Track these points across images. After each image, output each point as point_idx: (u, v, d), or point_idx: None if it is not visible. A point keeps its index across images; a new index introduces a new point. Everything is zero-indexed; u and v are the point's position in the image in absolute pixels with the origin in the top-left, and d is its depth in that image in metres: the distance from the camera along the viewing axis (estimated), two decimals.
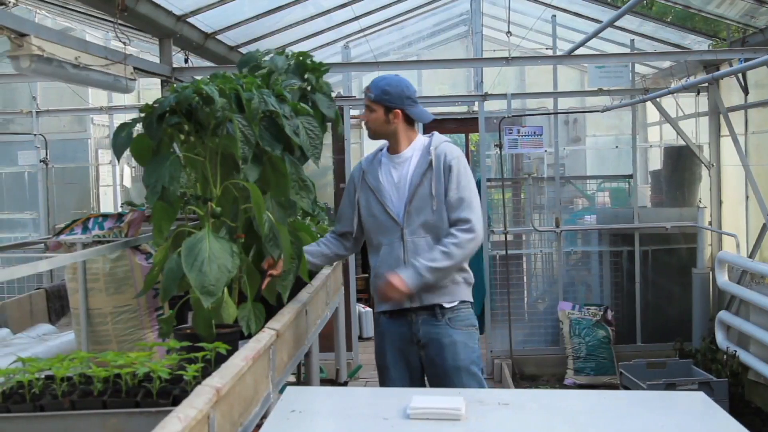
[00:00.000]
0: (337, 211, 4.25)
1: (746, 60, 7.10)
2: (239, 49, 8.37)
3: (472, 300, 4.12)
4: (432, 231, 3.94)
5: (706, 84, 8.46)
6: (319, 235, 4.25)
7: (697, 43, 9.01)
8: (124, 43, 5.51)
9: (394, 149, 4.10)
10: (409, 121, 4.09)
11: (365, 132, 4.20)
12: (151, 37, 7.39)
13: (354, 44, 10.86)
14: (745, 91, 8.00)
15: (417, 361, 4.06)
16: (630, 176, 9.07)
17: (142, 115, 2.84)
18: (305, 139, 2.98)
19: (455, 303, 4.01)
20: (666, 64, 9.79)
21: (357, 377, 8.19)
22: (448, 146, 4.03)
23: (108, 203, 10.71)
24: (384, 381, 4.14)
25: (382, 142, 4.21)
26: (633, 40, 9.34)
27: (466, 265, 4.04)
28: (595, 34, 8.12)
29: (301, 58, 3.81)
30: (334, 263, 4.83)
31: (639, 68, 10.44)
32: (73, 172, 10.46)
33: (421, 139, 4.09)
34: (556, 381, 8.39)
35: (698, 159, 8.84)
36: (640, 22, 9.12)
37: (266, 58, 3.82)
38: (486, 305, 8.64)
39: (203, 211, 2.86)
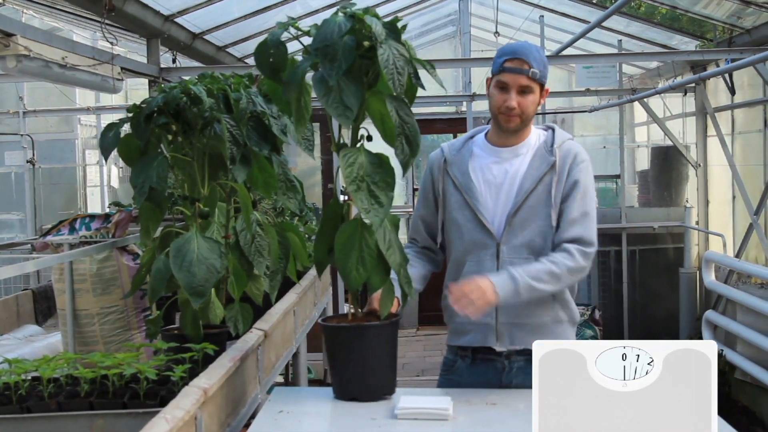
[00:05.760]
0: (411, 220, 3.21)
1: (733, 60, 7.13)
2: (227, 50, 8.36)
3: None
4: (539, 253, 2.92)
5: (693, 84, 8.50)
6: (306, 236, 4.18)
7: (684, 43, 9.04)
8: (112, 43, 5.51)
9: (507, 140, 3.00)
10: None
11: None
12: (138, 37, 7.37)
13: None
14: (732, 91, 8.03)
15: None
16: (617, 176, 9.11)
17: (130, 115, 2.83)
18: (296, 136, 2.96)
19: None
20: (653, 64, 9.83)
21: None
22: (575, 146, 3.01)
23: (95, 204, 10.71)
24: None
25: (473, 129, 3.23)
26: (620, 40, 9.36)
27: (571, 297, 3.04)
28: (583, 35, 8.14)
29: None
30: None
31: (626, 68, 10.47)
32: (61, 173, 10.45)
33: (535, 132, 3.03)
34: None
35: (685, 159, 8.88)
36: (627, 22, 9.15)
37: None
38: None
39: (191, 212, 2.85)
